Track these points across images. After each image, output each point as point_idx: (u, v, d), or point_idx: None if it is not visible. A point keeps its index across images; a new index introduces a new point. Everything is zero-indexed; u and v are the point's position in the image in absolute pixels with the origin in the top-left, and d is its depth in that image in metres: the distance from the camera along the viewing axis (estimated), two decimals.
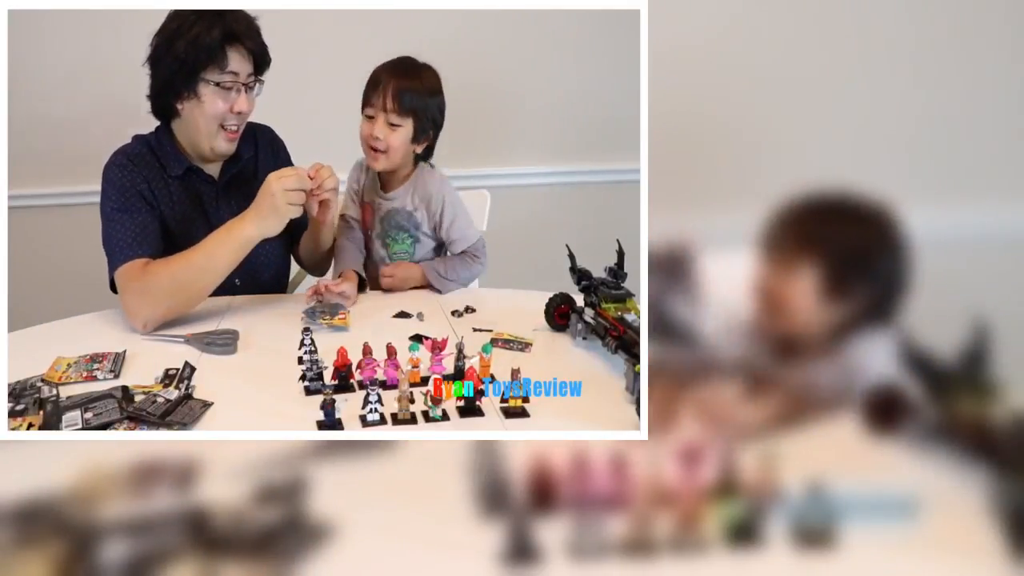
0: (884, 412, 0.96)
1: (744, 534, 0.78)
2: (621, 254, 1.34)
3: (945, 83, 1.73)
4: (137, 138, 1.58)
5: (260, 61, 1.52)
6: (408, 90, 1.58)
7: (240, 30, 1.47)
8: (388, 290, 1.67)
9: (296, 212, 1.39)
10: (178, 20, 1.46)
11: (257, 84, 1.53)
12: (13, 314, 1.25)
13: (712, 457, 0.83)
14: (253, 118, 1.60)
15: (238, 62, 1.47)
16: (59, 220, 2.27)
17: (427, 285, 1.68)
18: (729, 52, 1.60)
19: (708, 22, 1.64)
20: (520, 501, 0.82)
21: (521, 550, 0.76)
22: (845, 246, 1.07)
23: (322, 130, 2.33)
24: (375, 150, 1.62)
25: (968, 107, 1.75)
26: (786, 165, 1.22)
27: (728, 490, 0.81)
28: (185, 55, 1.44)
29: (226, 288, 1.53)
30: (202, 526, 0.79)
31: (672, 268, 1.13)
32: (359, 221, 1.75)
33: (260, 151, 1.68)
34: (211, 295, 1.53)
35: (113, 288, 1.47)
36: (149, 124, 1.58)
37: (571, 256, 1.42)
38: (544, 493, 0.82)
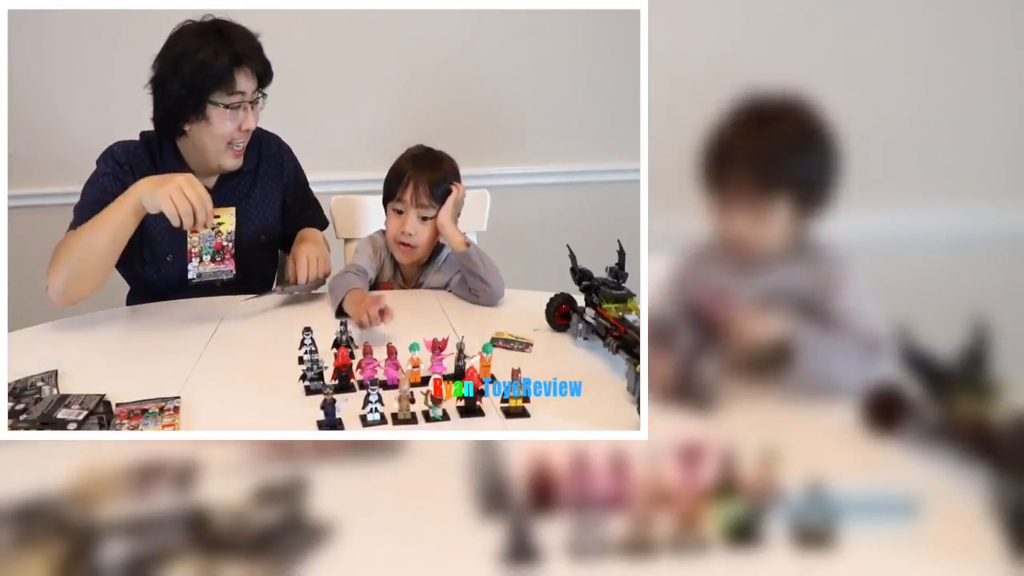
0: (884, 412, 0.96)
1: (744, 534, 0.78)
2: (622, 254, 1.34)
3: (945, 83, 1.73)
4: (144, 136, 1.59)
5: (264, 77, 1.54)
6: (438, 181, 1.59)
7: (245, 52, 1.49)
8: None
9: (170, 214, 1.33)
10: (181, 44, 1.47)
11: (261, 99, 1.55)
12: (13, 314, 1.25)
13: (712, 457, 0.83)
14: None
15: (244, 82, 1.49)
16: (59, 220, 2.26)
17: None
18: (729, 51, 1.60)
19: (708, 22, 1.64)
20: (520, 501, 0.82)
21: (521, 550, 0.76)
22: (808, 167, 1.11)
23: (324, 130, 2.34)
24: (406, 245, 1.61)
25: (969, 107, 1.75)
26: None
27: (728, 490, 0.81)
28: (192, 79, 1.46)
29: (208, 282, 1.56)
30: (202, 526, 0.79)
31: None
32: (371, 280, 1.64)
33: (263, 162, 1.69)
34: (206, 295, 1.53)
35: None
36: (148, 124, 1.58)
37: (572, 256, 1.42)
38: (544, 493, 0.82)
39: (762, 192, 1.10)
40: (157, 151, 1.58)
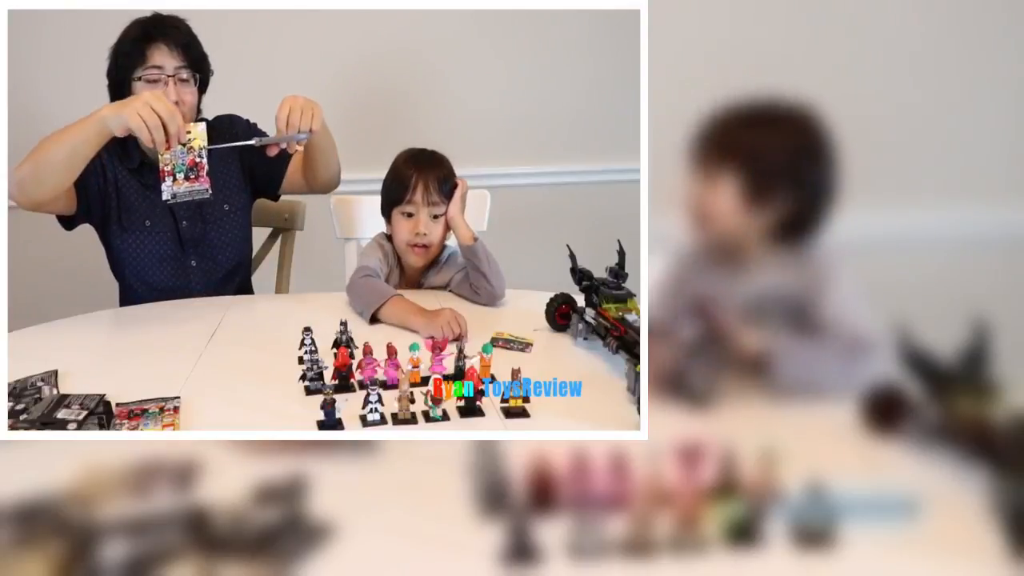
0: (884, 412, 0.96)
1: (744, 534, 0.78)
2: (622, 254, 1.34)
3: (946, 83, 1.73)
4: None
5: (190, 55, 1.56)
6: (445, 177, 1.59)
7: (159, 28, 1.54)
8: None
9: (138, 129, 1.32)
10: (121, 34, 1.55)
11: (193, 79, 1.56)
12: (13, 314, 1.25)
13: (712, 457, 0.83)
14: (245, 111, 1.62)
15: (161, 57, 1.52)
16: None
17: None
18: (729, 51, 1.60)
19: (708, 22, 1.64)
20: (520, 501, 0.82)
21: (521, 550, 0.76)
22: (767, 153, 1.10)
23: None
24: (420, 246, 1.60)
25: (968, 108, 1.75)
26: None
27: (728, 490, 0.81)
28: (117, 61, 1.55)
29: (182, 269, 1.61)
30: (202, 526, 0.79)
31: None
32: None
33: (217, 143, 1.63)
34: (203, 294, 1.53)
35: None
36: None
37: (572, 256, 1.42)
38: (544, 493, 0.82)
39: (712, 156, 1.10)
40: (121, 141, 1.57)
